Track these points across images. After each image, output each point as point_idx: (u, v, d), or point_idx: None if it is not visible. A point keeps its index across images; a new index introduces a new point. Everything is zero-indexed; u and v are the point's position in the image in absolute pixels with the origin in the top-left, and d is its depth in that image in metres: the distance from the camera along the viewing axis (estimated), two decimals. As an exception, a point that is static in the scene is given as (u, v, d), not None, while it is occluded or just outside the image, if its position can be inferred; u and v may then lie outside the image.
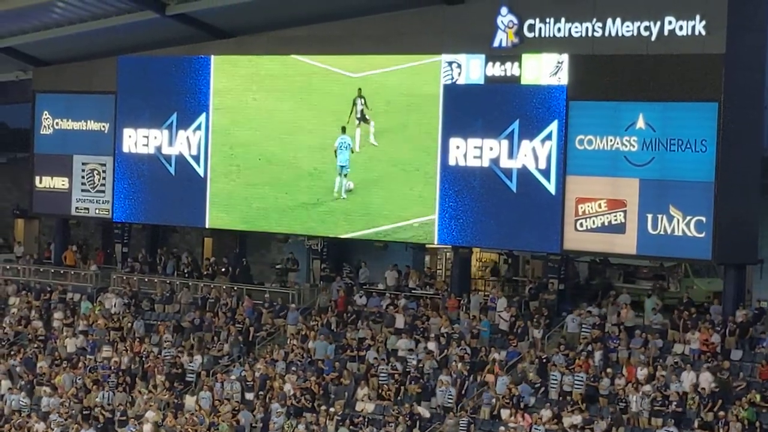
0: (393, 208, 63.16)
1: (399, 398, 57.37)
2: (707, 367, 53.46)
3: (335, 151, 65.06)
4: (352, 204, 64.34)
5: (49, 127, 73.99)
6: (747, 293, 57.55)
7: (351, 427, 56.77)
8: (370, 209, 63.87)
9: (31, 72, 75.20)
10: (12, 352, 67.98)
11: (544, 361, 56.67)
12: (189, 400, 60.95)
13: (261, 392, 60.34)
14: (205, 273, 71.70)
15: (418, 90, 62.47)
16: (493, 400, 55.64)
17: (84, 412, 61.95)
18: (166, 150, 69.39)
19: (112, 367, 64.51)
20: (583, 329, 57.96)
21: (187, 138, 68.59)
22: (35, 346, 68.24)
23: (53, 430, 61.46)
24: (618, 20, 56.95)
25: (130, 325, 67.96)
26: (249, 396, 60.34)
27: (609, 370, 55.18)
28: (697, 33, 55.12)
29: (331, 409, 57.80)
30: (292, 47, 65.59)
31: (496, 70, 60.01)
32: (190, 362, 63.70)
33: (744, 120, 55.95)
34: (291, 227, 67.80)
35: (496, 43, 59.87)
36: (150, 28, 68.12)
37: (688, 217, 55.47)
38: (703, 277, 60.65)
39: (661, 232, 56.13)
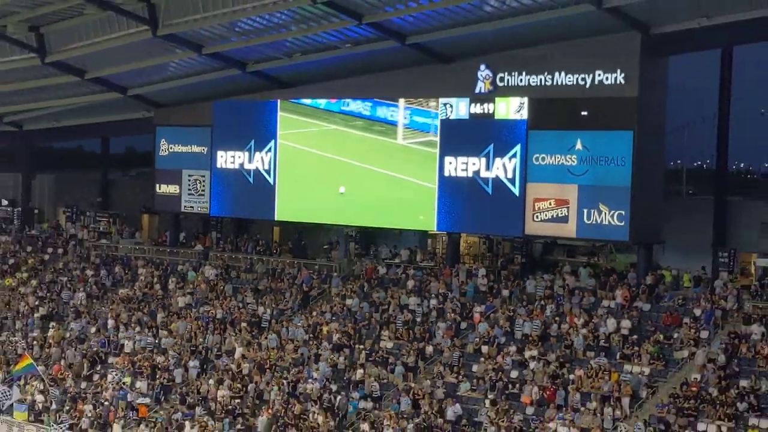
0: (406, 206, 63.15)
1: (410, 338, 57.43)
2: (626, 316, 53.75)
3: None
4: (379, 203, 64.29)
5: (165, 150, 74.13)
6: (653, 264, 57.53)
7: (376, 358, 56.90)
8: (391, 206, 63.87)
9: (153, 111, 75.09)
10: (141, 307, 68.10)
11: (511, 312, 56.76)
12: (263, 340, 61.06)
13: (313, 334, 60.39)
14: (274, 251, 71.73)
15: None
16: (476, 339, 56.00)
17: (191, 349, 62.21)
18: (247, 166, 69.56)
19: (210, 317, 64.61)
20: (538, 290, 58.20)
21: (261, 157, 68.72)
22: (157, 302, 68.36)
23: (169, 361, 61.70)
24: (563, 73, 57.05)
25: (222, 288, 68.05)
26: (306, 337, 60.32)
27: (557, 318, 55.35)
28: (618, 82, 55.29)
29: (361, 346, 57.96)
30: (334, 92, 65.51)
31: (476, 109, 60.17)
32: (264, 313, 63.81)
33: (651, 143, 56.49)
34: (334, 219, 67.82)
35: (477, 90, 59.95)
36: (235, 80, 68.30)
37: (612, 211, 55.63)
38: (623, 253, 60.69)
39: (593, 222, 56.34)
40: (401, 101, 62.66)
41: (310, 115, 67.24)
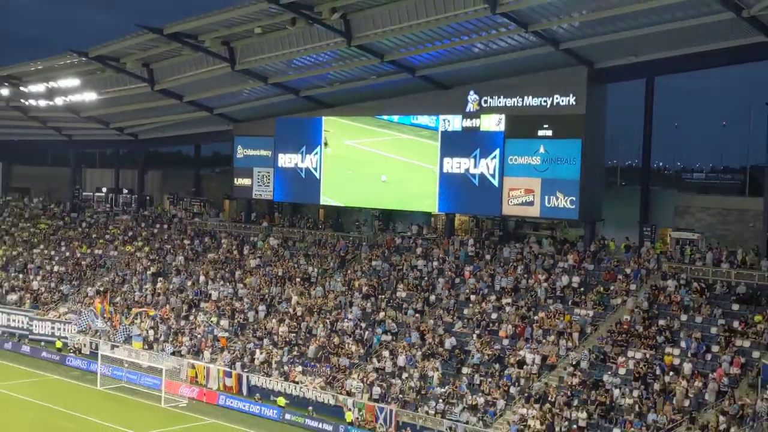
0: (416, 194, 63.02)
1: (418, 290, 57.48)
2: (576, 273, 53.93)
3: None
4: (396, 191, 64.17)
5: (241, 154, 73.98)
6: (596, 235, 57.31)
7: (393, 304, 56.94)
8: (405, 194, 63.74)
9: (232, 125, 75.05)
10: (223, 267, 68.26)
11: (492, 271, 56.76)
12: (312, 291, 61.13)
13: (348, 287, 60.47)
14: (319, 226, 71.63)
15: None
16: (466, 291, 56.13)
17: (260, 297, 62.45)
18: (300, 165, 69.40)
19: (273, 274, 64.70)
20: (511, 255, 58.16)
21: (310, 159, 68.57)
22: (235, 263, 68.49)
23: (244, 306, 61.85)
24: (530, 97, 56.96)
25: (282, 253, 68.12)
26: (343, 289, 60.38)
27: (525, 275, 55.39)
28: (570, 103, 55.25)
29: (382, 295, 58.29)
30: (365, 110, 65.35)
31: (467, 123, 60.01)
32: (313, 271, 63.87)
33: (594, 148, 56.47)
34: (364, 203, 67.75)
35: (467, 109, 59.80)
36: (291, 102, 68.17)
37: (566, 197, 55.50)
38: (573, 228, 60.34)
39: (552, 205, 56.27)
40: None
41: (346, 128, 67.44)
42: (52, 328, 67.81)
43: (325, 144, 67.60)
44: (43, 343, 66.80)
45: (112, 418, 49.64)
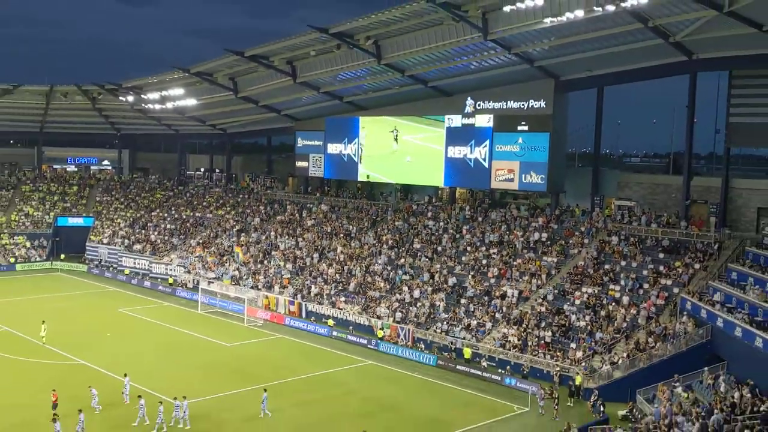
0: (428, 173, 62.79)
1: (429, 243, 57.47)
2: (544, 231, 53.64)
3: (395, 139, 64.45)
4: (413, 170, 63.99)
5: (300, 144, 73.72)
6: (559, 203, 57.00)
7: (410, 252, 56.97)
8: (419, 173, 63.57)
9: (294, 123, 74.99)
10: (288, 225, 68.47)
11: (483, 229, 56.63)
12: (352, 243, 61.21)
13: (378, 240, 60.56)
14: (357, 196, 71.59)
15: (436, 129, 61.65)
16: (464, 243, 55.86)
17: (314, 247, 62.67)
18: (343, 151, 69.19)
19: (324, 231, 64.88)
20: (497, 217, 57.84)
21: (351, 147, 68.40)
22: (296, 223, 68.65)
23: (303, 254, 62.02)
24: (511, 101, 56.51)
25: (330, 216, 68.21)
26: (374, 242, 60.46)
27: (507, 232, 55.17)
28: (541, 106, 54.92)
29: (403, 247, 58.13)
30: (391, 112, 65.00)
31: (465, 121, 59.58)
32: (352, 229, 64.02)
33: (558, 139, 55.95)
34: (389, 178, 67.58)
35: (465, 110, 59.35)
36: (337, 106, 67.90)
37: (537, 175, 55.30)
38: (543, 198, 59.96)
39: (527, 181, 55.97)
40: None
41: (377, 124, 67.24)
42: (166, 268, 68.63)
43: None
44: (159, 280, 67.82)
45: (209, 333, 50.32)
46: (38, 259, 75.17)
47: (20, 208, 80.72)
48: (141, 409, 32.41)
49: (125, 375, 36.24)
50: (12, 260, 73.53)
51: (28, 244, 76.23)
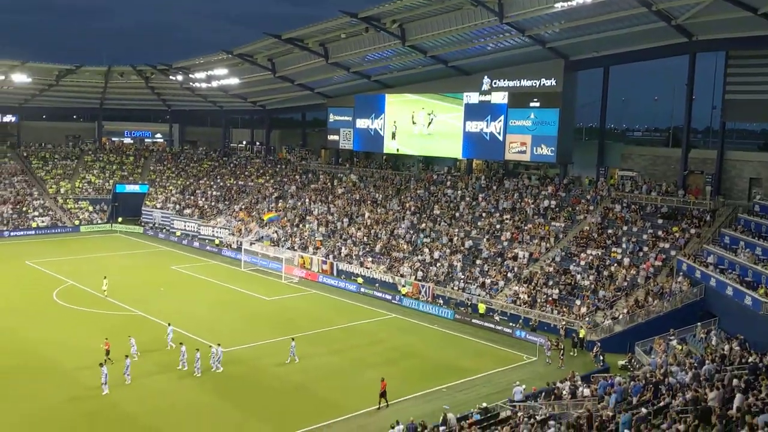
0: (448, 146, 62.38)
1: (448, 209, 57.39)
2: (553, 198, 53.23)
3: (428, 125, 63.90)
4: (433, 143, 63.60)
5: (332, 119, 73.33)
6: (567, 173, 56.48)
7: (431, 218, 56.89)
8: (439, 147, 63.18)
9: (326, 100, 74.71)
10: (320, 193, 68.50)
11: (497, 197, 56.31)
12: (378, 209, 61.22)
13: (402, 207, 60.56)
14: (383, 167, 71.41)
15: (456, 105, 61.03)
16: (480, 210, 55.70)
17: (344, 212, 62.67)
18: (370, 126, 68.86)
19: (354, 198, 64.89)
20: (510, 186, 57.51)
21: (377, 122, 68.06)
22: (328, 191, 68.74)
23: (335, 218, 62.13)
24: (524, 80, 55.75)
25: (358, 184, 68.17)
26: (398, 208, 60.35)
27: (519, 199, 54.80)
28: (552, 84, 54.05)
29: (424, 214, 57.91)
30: (415, 90, 64.40)
31: (482, 98, 58.89)
32: (378, 196, 63.97)
33: (567, 115, 55.14)
34: (413, 150, 67.24)
35: (482, 88, 58.64)
36: (364, 84, 66.96)
37: (548, 148, 54.54)
38: (553, 168, 59.38)
39: (538, 153, 55.35)
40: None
41: (401, 101, 66.68)
42: (212, 231, 69.30)
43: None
44: (206, 241, 68.53)
45: (251, 288, 50.90)
46: (99, 221, 76.48)
47: (83, 176, 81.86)
48: (182, 355, 33.12)
49: (168, 324, 37.02)
50: (77, 222, 74.90)
51: (90, 209, 77.48)
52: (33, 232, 71.08)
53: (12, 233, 69.72)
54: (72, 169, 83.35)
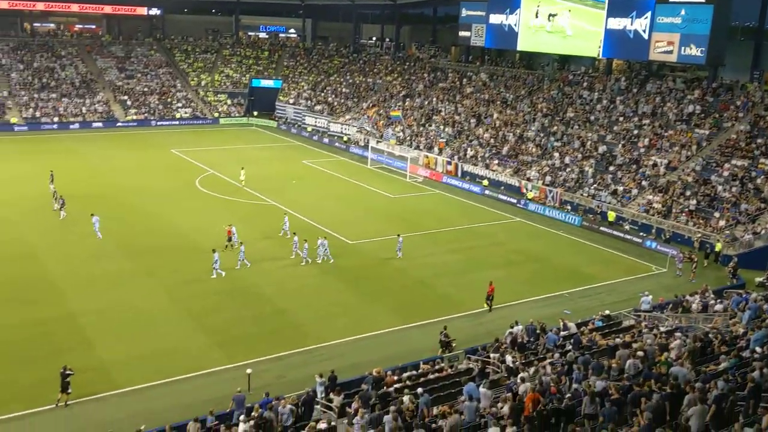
0: (585, 44, 58.68)
1: (583, 112, 55.12)
2: (698, 104, 49.80)
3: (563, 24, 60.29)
4: (571, 41, 60.04)
5: (464, 14, 69.70)
6: (717, 76, 51.95)
7: (563, 121, 55.14)
8: (577, 44, 59.64)
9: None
10: (449, 91, 67.48)
11: (637, 101, 53.34)
12: (508, 110, 59.71)
13: (532, 108, 58.57)
14: (516, 66, 68.79)
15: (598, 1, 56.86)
16: (617, 113, 53.03)
17: (473, 114, 61.49)
18: (504, 22, 64.79)
19: (483, 98, 63.35)
20: (654, 90, 53.92)
21: (512, 18, 64.20)
22: (456, 90, 67.49)
23: (462, 119, 61.32)
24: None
25: (488, 84, 66.45)
26: (529, 110, 58.55)
27: (661, 104, 51.90)
28: None
29: (557, 116, 55.79)
30: None
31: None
32: (509, 96, 62.29)
33: (722, 12, 49.81)
34: (548, 50, 63.43)
35: None
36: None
37: (698, 48, 50.61)
38: (701, 70, 54.54)
39: (687, 54, 51.55)
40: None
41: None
42: (341, 127, 70.68)
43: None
44: (335, 137, 70.12)
45: (376, 185, 52.12)
46: (237, 114, 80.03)
47: (221, 70, 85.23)
48: (294, 244, 34.72)
49: (284, 214, 38.88)
50: (216, 115, 78.71)
51: (228, 102, 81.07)
52: (177, 122, 75.85)
53: (158, 122, 74.74)
54: (211, 63, 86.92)
